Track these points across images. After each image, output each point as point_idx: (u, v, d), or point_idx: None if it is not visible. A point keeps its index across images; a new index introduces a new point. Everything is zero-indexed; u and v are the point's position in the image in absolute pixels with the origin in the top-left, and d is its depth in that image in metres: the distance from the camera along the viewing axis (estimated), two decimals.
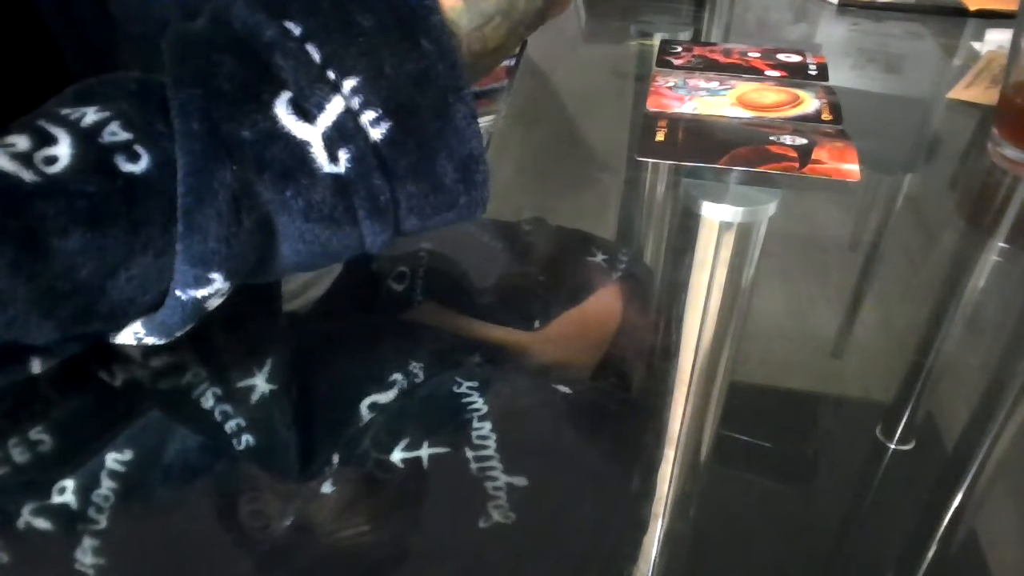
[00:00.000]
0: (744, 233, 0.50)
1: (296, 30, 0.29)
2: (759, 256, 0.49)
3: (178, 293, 0.29)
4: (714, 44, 0.78)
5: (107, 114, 0.29)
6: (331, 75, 0.29)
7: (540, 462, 0.34)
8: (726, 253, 0.49)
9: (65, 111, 0.29)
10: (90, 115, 0.29)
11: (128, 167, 0.28)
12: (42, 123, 0.28)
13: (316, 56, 0.29)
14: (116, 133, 0.28)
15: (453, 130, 0.31)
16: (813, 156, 0.54)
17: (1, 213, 0.26)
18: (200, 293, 0.29)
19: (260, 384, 0.35)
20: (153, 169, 0.28)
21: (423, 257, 0.48)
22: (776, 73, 0.69)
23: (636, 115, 0.64)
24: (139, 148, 0.28)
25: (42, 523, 0.30)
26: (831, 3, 1.01)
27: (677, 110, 0.62)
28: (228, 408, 0.34)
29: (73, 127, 0.28)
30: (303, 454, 0.34)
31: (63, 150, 0.28)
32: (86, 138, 0.28)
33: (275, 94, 0.29)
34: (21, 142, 0.27)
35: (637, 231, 0.57)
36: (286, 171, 0.29)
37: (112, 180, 0.28)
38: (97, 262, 0.27)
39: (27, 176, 0.27)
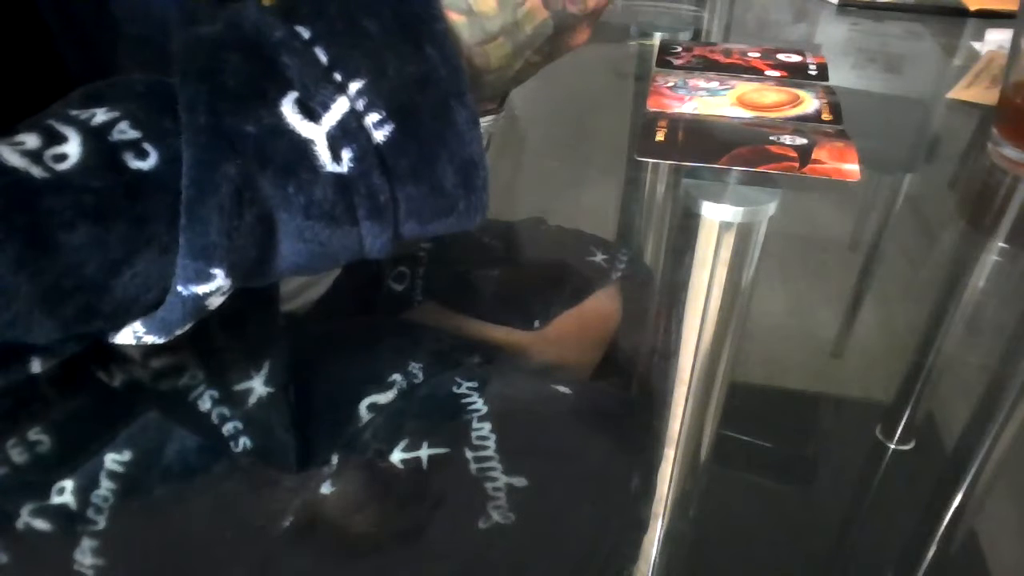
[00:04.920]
0: (744, 233, 0.50)
1: (305, 33, 0.30)
2: (759, 256, 0.49)
3: (179, 288, 0.29)
4: (714, 44, 0.78)
5: (116, 114, 0.29)
6: (337, 76, 0.29)
7: (540, 462, 0.34)
8: (726, 253, 0.49)
9: (74, 112, 0.29)
10: (99, 115, 0.29)
11: (136, 164, 0.28)
12: (51, 122, 0.28)
13: (323, 58, 0.29)
14: (125, 131, 0.29)
15: (454, 133, 0.31)
16: (813, 156, 0.54)
17: (9, 208, 0.26)
18: (201, 289, 0.29)
19: (258, 387, 0.35)
20: (161, 166, 0.28)
21: (423, 257, 0.47)
22: (776, 73, 0.69)
23: (636, 115, 0.64)
24: (147, 145, 0.29)
25: (41, 524, 0.30)
26: (831, 3, 1.01)
27: (677, 110, 0.62)
28: (226, 410, 0.34)
29: (82, 126, 0.28)
30: (301, 455, 0.34)
31: (72, 148, 0.28)
32: (95, 136, 0.28)
33: (281, 93, 0.29)
34: (31, 140, 0.28)
35: (637, 231, 0.57)
36: (289, 167, 0.29)
37: (119, 176, 0.28)
38: (102, 258, 0.27)
39: (36, 172, 0.27)
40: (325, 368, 0.38)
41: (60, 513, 0.30)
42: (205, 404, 0.34)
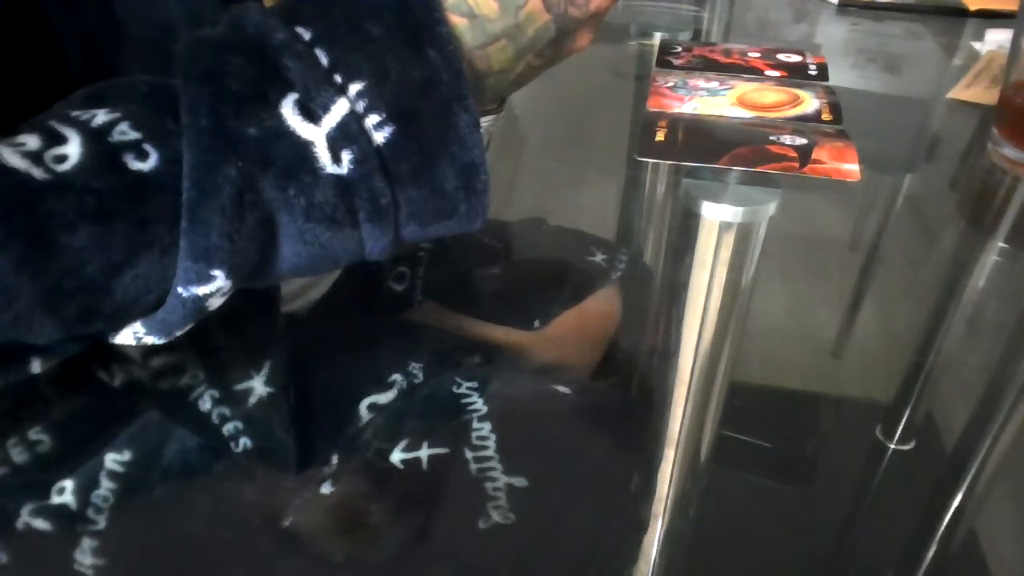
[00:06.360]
0: (744, 233, 0.50)
1: (306, 35, 0.30)
2: (759, 256, 0.49)
3: (179, 290, 0.29)
4: (714, 44, 0.78)
5: (117, 115, 0.29)
6: (338, 78, 0.29)
7: (540, 462, 0.34)
8: (726, 253, 0.49)
9: (75, 112, 0.29)
10: (100, 116, 0.29)
11: (137, 165, 0.28)
12: (52, 123, 0.28)
13: (324, 60, 0.30)
14: (126, 132, 0.29)
15: (456, 137, 0.31)
16: (813, 156, 0.54)
17: (11, 209, 0.26)
18: (201, 290, 0.29)
19: (258, 387, 0.35)
20: (162, 167, 0.28)
21: (423, 257, 0.48)
22: (776, 73, 0.69)
23: (636, 115, 0.64)
24: (148, 147, 0.29)
25: (41, 523, 0.30)
26: (831, 3, 1.01)
27: (677, 110, 0.62)
28: (226, 411, 0.34)
29: (83, 127, 0.28)
30: (302, 456, 0.34)
31: (73, 149, 0.28)
32: (96, 137, 0.28)
33: (282, 94, 0.29)
34: (31, 141, 0.28)
35: (637, 231, 0.57)
36: (289, 169, 0.29)
37: (120, 177, 0.28)
38: (103, 259, 0.28)
39: (37, 174, 0.27)
40: (325, 368, 0.39)
41: (60, 513, 0.30)
42: (205, 404, 0.34)
